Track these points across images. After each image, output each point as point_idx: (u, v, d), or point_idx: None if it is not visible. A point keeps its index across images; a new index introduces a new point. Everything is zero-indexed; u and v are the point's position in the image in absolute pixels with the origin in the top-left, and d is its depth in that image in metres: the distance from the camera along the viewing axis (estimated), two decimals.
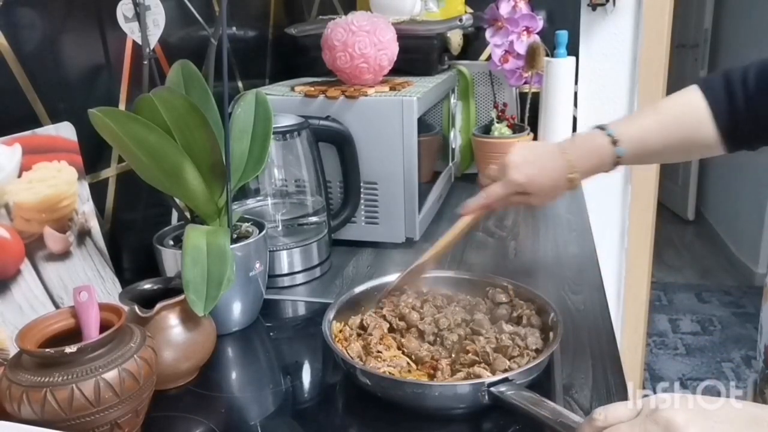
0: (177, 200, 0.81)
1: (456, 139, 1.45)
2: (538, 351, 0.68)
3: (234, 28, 1.16)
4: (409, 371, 0.67)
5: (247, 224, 0.86)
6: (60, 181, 0.72)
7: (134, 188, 0.85)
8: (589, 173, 0.83)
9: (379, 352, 0.68)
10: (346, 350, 0.69)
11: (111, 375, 0.54)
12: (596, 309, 0.85)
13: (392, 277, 0.82)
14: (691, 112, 0.78)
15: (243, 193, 0.98)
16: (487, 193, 0.83)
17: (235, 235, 0.82)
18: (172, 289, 0.70)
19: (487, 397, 0.59)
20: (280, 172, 1.00)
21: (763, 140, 0.77)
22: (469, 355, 0.66)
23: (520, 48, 1.43)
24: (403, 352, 0.69)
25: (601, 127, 0.81)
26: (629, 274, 1.86)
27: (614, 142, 0.79)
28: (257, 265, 0.81)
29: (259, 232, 0.83)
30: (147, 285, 0.71)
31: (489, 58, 1.50)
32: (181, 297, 0.67)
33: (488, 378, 0.60)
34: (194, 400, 0.68)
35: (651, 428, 0.43)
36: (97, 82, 0.82)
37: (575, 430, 0.50)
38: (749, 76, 0.75)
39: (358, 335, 0.72)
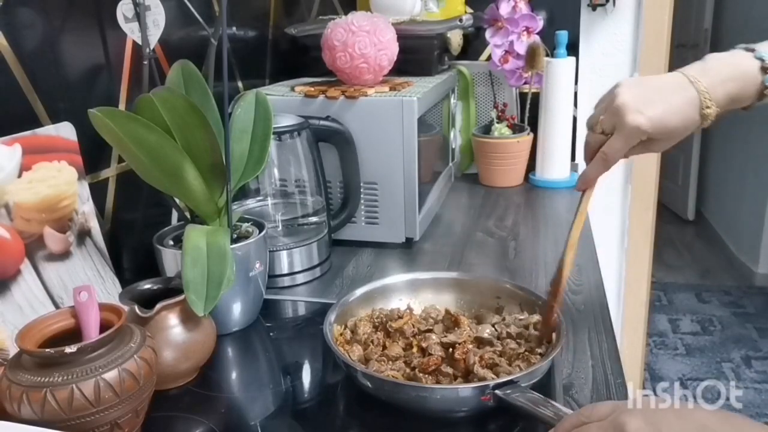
0: (177, 200, 0.81)
1: (456, 139, 1.45)
2: (541, 354, 0.68)
3: (234, 28, 1.16)
4: (412, 376, 0.67)
5: (247, 224, 0.86)
6: (60, 181, 0.72)
7: (134, 188, 0.85)
8: (727, 105, 0.65)
9: (381, 356, 0.68)
10: (348, 353, 0.68)
11: (111, 375, 0.54)
12: (596, 309, 0.85)
13: (392, 278, 0.82)
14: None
15: (243, 193, 0.98)
16: (606, 154, 0.66)
17: (235, 235, 0.82)
18: (172, 289, 0.70)
19: (492, 399, 0.59)
20: (280, 172, 1.00)
21: None
22: (476, 365, 0.66)
23: (520, 48, 1.43)
24: (405, 362, 0.69)
25: (750, 48, 0.65)
26: (629, 274, 1.86)
27: (765, 68, 0.63)
28: (257, 265, 0.81)
29: (259, 232, 0.83)
30: (147, 285, 0.71)
31: (489, 58, 1.50)
32: (181, 297, 0.67)
33: (493, 380, 0.60)
34: (194, 400, 0.68)
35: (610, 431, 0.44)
36: (97, 82, 0.82)
37: (561, 420, 0.51)
38: None
39: (357, 339, 0.72)
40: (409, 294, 0.81)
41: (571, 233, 0.68)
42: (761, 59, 0.63)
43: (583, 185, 0.69)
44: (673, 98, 0.64)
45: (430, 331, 0.71)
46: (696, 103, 0.64)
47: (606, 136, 0.67)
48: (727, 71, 0.65)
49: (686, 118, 0.64)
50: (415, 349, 0.69)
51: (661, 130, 0.64)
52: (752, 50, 0.65)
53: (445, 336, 0.69)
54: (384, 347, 0.70)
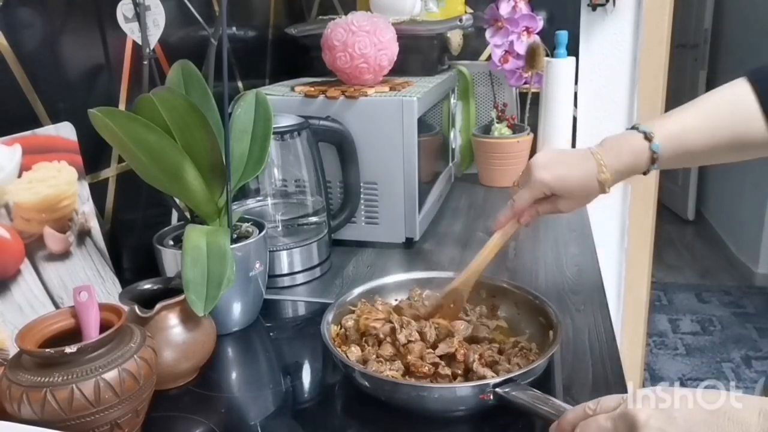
0: (177, 200, 0.81)
1: (456, 139, 1.45)
2: (538, 351, 0.68)
3: (234, 28, 1.16)
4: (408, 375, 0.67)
5: (247, 224, 0.86)
6: (60, 181, 0.72)
7: (134, 188, 0.85)
8: (623, 174, 0.75)
9: (378, 358, 0.68)
10: (345, 353, 0.68)
11: (111, 375, 0.54)
12: (596, 309, 0.85)
13: (392, 278, 0.82)
14: (737, 106, 0.72)
15: (243, 193, 0.98)
16: (514, 201, 0.77)
17: (235, 235, 0.82)
18: (172, 289, 0.70)
19: (492, 397, 0.59)
20: (280, 172, 1.00)
21: None
22: (475, 363, 0.66)
23: (520, 48, 1.43)
24: (403, 362, 0.69)
25: (634, 127, 0.75)
26: (629, 274, 1.86)
27: (648, 138, 0.73)
28: (257, 265, 0.81)
29: (259, 232, 0.83)
30: (147, 285, 0.71)
31: (489, 58, 1.50)
32: (181, 297, 0.67)
33: (493, 379, 0.60)
34: (194, 400, 0.68)
35: (619, 424, 0.45)
36: (97, 82, 0.82)
37: (565, 412, 0.51)
38: None
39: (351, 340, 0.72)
40: (409, 294, 0.81)
41: (472, 267, 0.78)
42: (644, 132, 0.73)
43: (495, 227, 0.80)
44: (575, 163, 0.76)
45: (411, 342, 0.70)
46: (593, 170, 0.74)
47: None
48: (619, 145, 0.75)
49: (584, 180, 0.75)
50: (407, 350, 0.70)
51: (562, 187, 0.75)
52: (636, 127, 0.75)
53: (436, 347, 0.69)
54: (379, 346, 0.70)
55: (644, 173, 0.76)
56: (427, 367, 0.65)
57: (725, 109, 0.74)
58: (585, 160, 0.75)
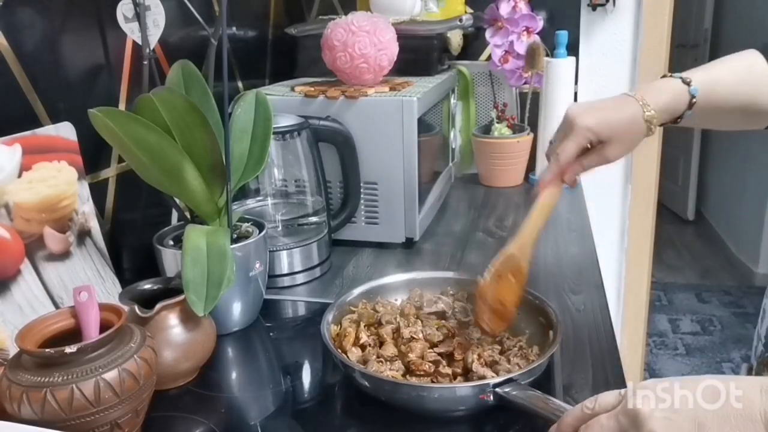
0: (177, 200, 0.81)
1: (456, 139, 1.45)
2: (538, 351, 0.68)
3: (234, 28, 1.16)
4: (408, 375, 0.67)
5: (247, 224, 0.86)
6: (60, 181, 0.72)
7: (134, 188, 0.85)
8: (664, 114, 0.73)
9: (378, 358, 0.68)
10: (346, 353, 0.68)
11: (111, 375, 0.54)
12: (596, 309, 0.85)
13: (391, 278, 0.82)
14: (754, 72, 0.74)
15: (243, 193, 0.98)
16: (557, 155, 0.72)
17: (235, 235, 0.82)
18: (172, 289, 0.70)
19: (492, 397, 0.59)
20: (280, 172, 1.00)
21: None
22: (474, 363, 0.66)
23: (520, 48, 1.43)
24: (404, 361, 0.69)
25: (664, 76, 0.75)
26: (629, 274, 1.86)
27: (686, 83, 0.72)
28: (257, 265, 0.81)
29: (259, 232, 0.83)
30: (147, 285, 0.71)
31: (489, 58, 1.50)
32: (181, 297, 0.67)
33: (493, 379, 0.60)
34: (194, 400, 0.68)
35: (622, 419, 0.44)
36: (97, 82, 0.82)
37: (564, 414, 0.51)
38: None
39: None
40: (409, 294, 0.81)
41: (525, 231, 0.72)
42: (681, 78, 0.73)
43: (541, 186, 0.74)
44: (615, 105, 0.73)
45: (414, 339, 0.70)
46: (638, 110, 0.71)
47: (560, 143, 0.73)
48: (658, 86, 0.74)
49: (630, 120, 0.71)
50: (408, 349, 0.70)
51: (608, 129, 0.71)
52: (670, 75, 0.74)
53: (436, 346, 0.69)
54: (380, 346, 0.70)
55: (677, 121, 0.75)
56: (427, 365, 0.65)
57: (747, 73, 0.74)
58: (625, 102, 0.73)
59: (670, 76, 0.74)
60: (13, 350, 0.62)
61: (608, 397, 0.47)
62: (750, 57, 0.76)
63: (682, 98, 0.73)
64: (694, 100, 0.72)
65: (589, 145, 0.73)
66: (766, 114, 0.76)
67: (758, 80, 0.74)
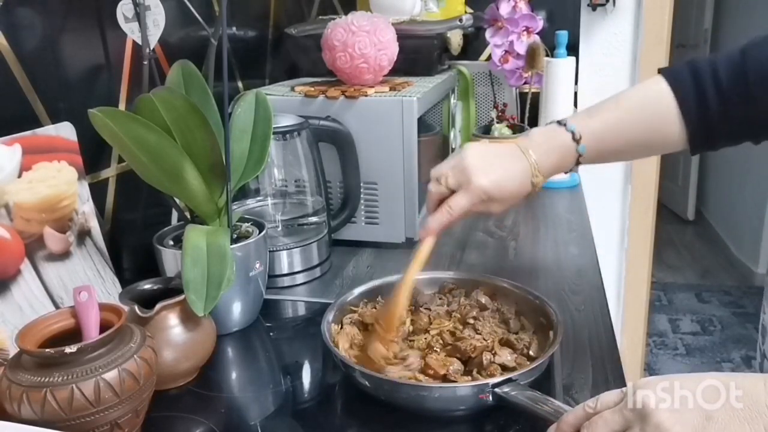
0: (177, 200, 0.81)
1: (456, 139, 1.45)
2: (537, 352, 0.68)
3: (234, 28, 1.16)
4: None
5: (247, 224, 0.86)
6: (60, 181, 0.72)
7: (134, 188, 0.85)
8: (550, 174, 0.76)
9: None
10: (346, 353, 0.69)
11: (111, 375, 0.54)
12: (596, 309, 0.85)
13: (391, 278, 0.82)
14: (657, 107, 0.73)
15: (243, 193, 0.98)
16: (451, 208, 0.72)
17: (235, 235, 0.82)
18: (172, 289, 0.70)
19: (491, 397, 0.59)
20: (280, 172, 1.00)
21: (731, 140, 0.73)
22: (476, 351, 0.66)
23: (520, 48, 1.43)
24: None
25: (562, 123, 0.75)
26: (629, 274, 1.86)
27: (577, 140, 0.73)
28: (257, 265, 0.81)
29: (259, 232, 0.83)
30: (147, 285, 0.71)
31: (489, 58, 1.51)
32: (181, 297, 0.67)
33: (492, 379, 0.60)
34: (194, 400, 0.68)
35: (627, 414, 0.44)
36: (97, 82, 0.82)
37: (564, 414, 0.50)
38: (720, 74, 0.69)
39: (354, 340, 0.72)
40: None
41: (405, 277, 0.71)
42: (572, 132, 0.73)
43: (426, 234, 0.73)
44: (510, 165, 0.73)
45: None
46: (528, 172, 0.73)
47: (449, 191, 0.73)
48: (549, 145, 0.74)
49: (520, 183, 0.73)
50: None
51: (500, 192, 0.72)
52: (564, 124, 0.74)
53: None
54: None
55: (565, 172, 0.77)
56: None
57: (646, 108, 0.74)
58: (518, 160, 0.74)
59: (562, 124, 0.74)
60: (13, 350, 0.62)
61: (610, 396, 0.47)
62: (652, 89, 0.74)
63: (569, 158, 0.74)
64: (581, 157, 0.74)
65: (481, 201, 0.73)
66: (670, 145, 0.75)
67: (660, 116, 0.73)
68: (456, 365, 0.65)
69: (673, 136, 0.73)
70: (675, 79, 0.72)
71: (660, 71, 0.74)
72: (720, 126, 0.71)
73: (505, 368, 0.65)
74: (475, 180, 0.71)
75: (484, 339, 0.68)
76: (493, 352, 0.66)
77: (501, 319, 0.74)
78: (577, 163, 0.75)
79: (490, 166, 0.73)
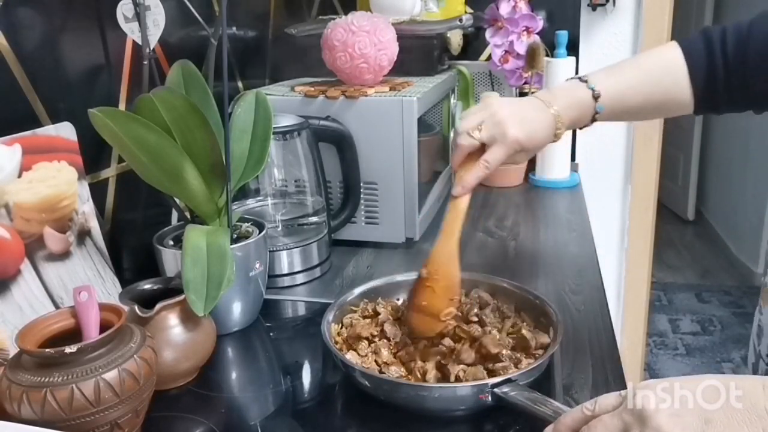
0: (177, 200, 0.81)
1: None
2: (538, 352, 0.68)
3: (234, 28, 1.16)
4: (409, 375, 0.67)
5: (247, 224, 0.86)
6: (60, 181, 0.72)
7: (134, 188, 0.85)
8: (570, 127, 0.79)
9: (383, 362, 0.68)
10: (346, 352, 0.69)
11: (111, 375, 0.54)
12: (596, 309, 0.85)
13: (391, 278, 0.82)
14: (670, 70, 0.77)
15: (243, 193, 0.98)
16: (488, 162, 0.72)
17: (235, 235, 0.82)
18: (172, 289, 0.70)
19: (490, 398, 0.59)
20: (280, 172, 1.00)
21: (732, 107, 0.77)
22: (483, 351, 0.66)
23: (520, 48, 1.43)
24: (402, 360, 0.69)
25: (583, 79, 0.77)
26: (629, 274, 1.86)
27: (596, 97, 0.76)
28: (257, 265, 0.81)
29: (259, 232, 0.83)
30: (147, 285, 0.71)
31: (489, 58, 1.50)
32: (181, 297, 0.67)
33: (491, 379, 0.60)
34: (194, 400, 0.68)
35: (627, 418, 0.44)
36: (97, 82, 0.82)
37: (562, 415, 0.50)
38: (728, 41, 0.73)
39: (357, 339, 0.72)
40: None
41: (450, 240, 0.70)
42: (592, 90, 0.76)
43: (464, 191, 0.72)
44: (538, 117, 0.75)
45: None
46: (552, 123, 0.75)
47: (481, 144, 0.73)
48: (570, 100, 0.76)
49: (547, 135, 0.75)
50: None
51: (532, 143, 0.74)
52: (585, 81, 0.76)
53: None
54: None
55: (582, 127, 0.80)
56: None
57: (660, 73, 0.77)
58: (543, 113, 0.75)
59: (583, 81, 0.77)
60: (13, 350, 0.62)
61: (608, 398, 0.47)
62: (667, 53, 0.77)
63: (587, 113, 0.77)
64: (598, 114, 0.77)
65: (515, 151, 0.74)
66: (679, 107, 0.78)
67: (669, 79, 0.76)
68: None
69: (683, 99, 0.77)
70: (688, 46, 0.76)
71: (676, 40, 0.78)
72: (723, 92, 0.75)
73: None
74: (511, 133, 0.72)
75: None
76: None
77: (501, 316, 0.75)
78: (593, 120, 0.78)
79: (523, 118, 0.73)
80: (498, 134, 0.72)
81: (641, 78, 0.77)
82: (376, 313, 0.76)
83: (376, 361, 0.67)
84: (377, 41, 1.03)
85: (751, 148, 3.24)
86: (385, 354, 0.68)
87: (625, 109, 0.79)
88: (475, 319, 0.73)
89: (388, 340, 0.71)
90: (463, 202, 0.72)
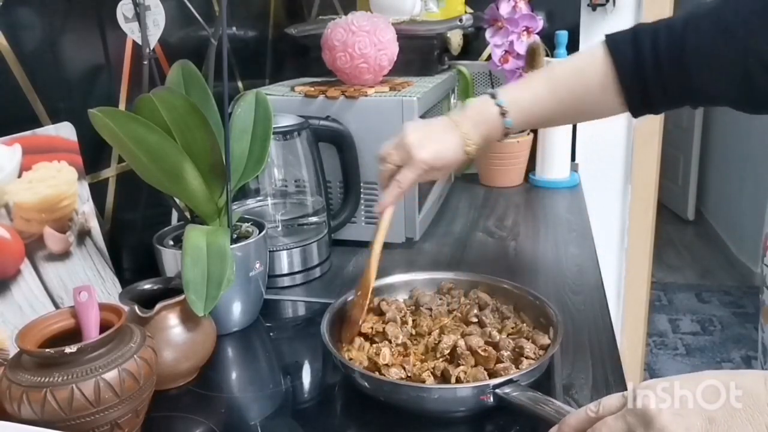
0: (177, 200, 0.81)
1: None
2: (538, 353, 0.68)
3: (234, 28, 1.16)
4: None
5: (247, 224, 0.86)
6: (60, 181, 0.72)
7: (134, 188, 0.85)
8: (482, 143, 0.81)
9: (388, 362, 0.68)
10: (347, 354, 0.69)
11: (111, 375, 0.54)
12: (596, 309, 0.85)
13: (392, 278, 0.82)
14: (591, 75, 0.76)
15: (243, 193, 0.98)
16: (400, 182, 0.79)
17: (235, 235, 0.82)
18: (172, 289, 0.70)
19: (492, 398, 0.59)
20: (280, 172, 1.00)
21: (668, 104, 0.76)
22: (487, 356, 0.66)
23: (520, 48, 1.43)
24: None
25: (492, 95, 0.80)
26: (629, 274, 1.86)
27: (503, 114, 0.78)
28: (257, 265, 0.81)
29: (259, 232, 0.83)
30: (147, 285, 0.71)
31: (489, 58, 1.50)
32: (181, 297, 0.67)
33: (493, 380, 0.60)
34: (194, 400, 0.68)
35: (630, 419, 0.44)
36: (97, 82, 0.82)
37: (566, 416, 0.50)
38: (660, 44, 0.72)
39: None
40: (409, 294, 0.81)
41: (374, 246, 0.79)
42: (500, 106, 0.78)
43: (382, 207, 0.80)
44: (445, 137, 0.79)
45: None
46: (460, 142, 0.79)
47: (396, 167, 0.79)
48: (478, 118, 0.80)
49: (455, 152, 0.79)
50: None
51: (440, 161, 0.79)
52: (495, 96, 0.79)
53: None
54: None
55: (497, 141, 0.82)
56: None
57: (578, 76, 0.78)
58: (451, 133, 0.79)
59: (493, 98, 0.79)
60: (13, 350, 0.62)
61: (612, 399, 0.47)
62: (586, 57, 0.78)
63: (497, 129, 0.79)
64: (508, 129, 0.79)
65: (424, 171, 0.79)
66: (607, 109, 0.78)
67: (583, 85, 0.77)
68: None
69: (609, 101, 0.76)
70: (615, 45, 0.75)
71: (605, 37, 0.77)
72: (656, 91, 0.74)
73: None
74: (416, 154, 0.77)
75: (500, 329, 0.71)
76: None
77: (501, 317, 0.75)
78: (505, 135, 0.80)
79: (428, 140, 0.78)
80: (406, 157, 0.78)
81: (554, 88, 0.78)
82: (382, 312, 0.75)
83: (375, 363, 0.67)
84: (377, 41, 1.03)
85: (751, 149, 3.24)
86: (387, 355, 0.68)
87: (538, 119, 0.82)
88: (475, 319, 0.73)
89: (390, 341, 0.71)
90: (385, 217, 0.80)
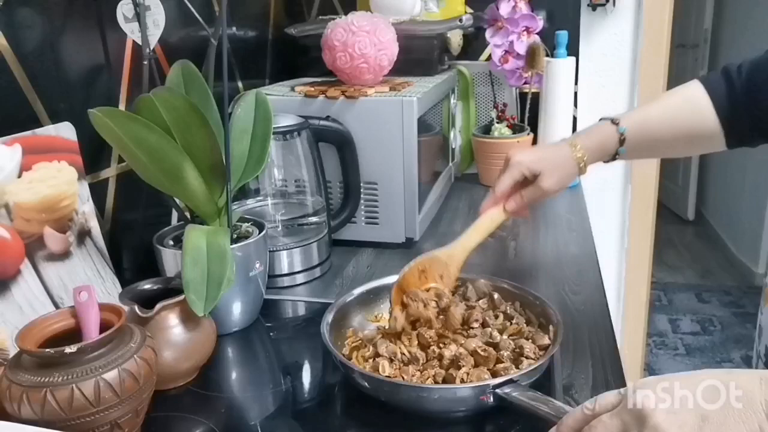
0: (177, 200, 0.81)
1: (456, 139, 1.45)
2: (538, 353, 0.68)
3: (234, 28, 1.16)
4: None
5: (247, 224, 0.86)
6: (60, 181, 0.72)
7: (134, 188, 0.85)
8: (595, 153, 0.83)
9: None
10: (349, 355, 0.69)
11: (111, 375, 0.54)
12: (596, 309, 0.85)
13: (391, 278, 0.82)
14: (692, 102, 0.81)
15: (243, 193, 0.98)
16: (495, 186, 0.83)
17: (235, 235, 0.82)
18: (172, 289, 0.70)
19: (492, 398, 0.59)
20: (280, 172, 1.00)
21: (761, 135, 0.80)
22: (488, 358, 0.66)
23: (520, 48, 1.43)
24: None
25: (601, 119, 0.85)
26: (629, 274, 1.86)
27: (615, 123, 0.82)
28: (257, 265, 0.81)
29: (259, 232, 0.83)
30: (147, 285, 0.71)
31: (489, 58, 1.50)
32: (181, 297, 0.67)
33: (493, 380, 0.60)
34: (194, 400, 0.68)
35: (626, 417, 0.44)
36: (97, 82, 0.82)
37: (564, 416, 0.50)
38: (743, 68, 0.78)
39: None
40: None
41: (461, 240, 0.82)
42: (611, 119, 0.83)
43: (481, 210, 0.85)
44: (551, 147, 0.86)
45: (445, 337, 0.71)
46: (568, 151, 0.82)
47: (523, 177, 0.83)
48: (591, 130, 0.85)
49: (561, 159, 0.82)
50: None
51: (539, 163, 0.81)
52: (603, 118, 0.84)
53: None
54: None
55: (614, 157, 0.84)
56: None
57: (683, 105, 0.83)
58: (559, 145, 0.84)
59: (602, 119, 0.85)
60: (13, 350, 0.62)
61: (608, 397, 0.47)
62: (689, 89, 0.83)
63: (611, 137, 0.82)
64: (623, 136, 0.82)
65: (525, 178, 0.82)
66: (709, 139, 0.82)
67: (698, 111, 0.81)
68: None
69: (711, 131, 0.81)
70: (707, 78, 0.81)
71: (697, 78, 0.83)
72: (748, 121, 0.78)
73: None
74: (513, 158, 0.81)
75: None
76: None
77: (506, 318, 0.75)
78: (621, 144, 0.82)
79: (533, 150, 0.85)
80: (504, 164, 0.84)
81: (662, 107, 0.83)
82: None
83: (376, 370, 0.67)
84: (377, 41, 1.03)
85: (751, 149, 3.23)
86: (387, 368, 0.68)
87: (650, 138, 0.83)
88: (476, 324, 0.73)
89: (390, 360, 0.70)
90: (482, 219, 0.85)
